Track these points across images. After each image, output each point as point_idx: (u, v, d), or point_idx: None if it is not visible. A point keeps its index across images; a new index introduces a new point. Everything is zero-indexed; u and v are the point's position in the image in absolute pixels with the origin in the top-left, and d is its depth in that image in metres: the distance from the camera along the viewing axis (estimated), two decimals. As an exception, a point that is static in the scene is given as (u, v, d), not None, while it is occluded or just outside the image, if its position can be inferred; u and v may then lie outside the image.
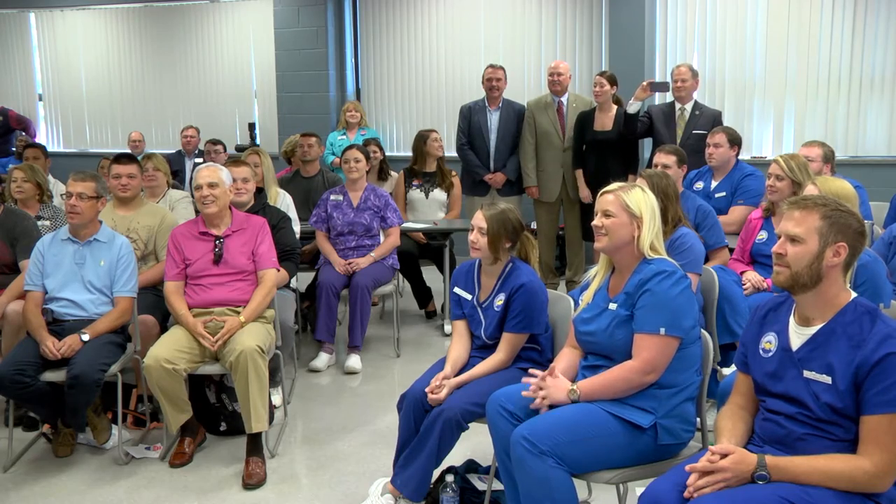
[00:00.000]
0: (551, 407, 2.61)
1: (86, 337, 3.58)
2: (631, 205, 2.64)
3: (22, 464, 3.74)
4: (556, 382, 2.62)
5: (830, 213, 2.11)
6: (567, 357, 2.82)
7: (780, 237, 2.18)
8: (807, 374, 2.11)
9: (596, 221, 2.67)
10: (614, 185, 2.71)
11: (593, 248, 2.76)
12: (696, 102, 5.73)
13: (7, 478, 3.61)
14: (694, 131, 5.57)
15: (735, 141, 4.92)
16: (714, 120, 5.57)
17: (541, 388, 2.61)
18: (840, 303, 2.13)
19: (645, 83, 5.69)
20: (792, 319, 2.21)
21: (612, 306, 2.65)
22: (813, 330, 2.14)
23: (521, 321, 3.11)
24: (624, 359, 2.58)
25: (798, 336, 2.18)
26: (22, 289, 3.91)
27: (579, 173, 6.01)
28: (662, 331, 2.51)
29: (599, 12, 7.47)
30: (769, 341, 2.24)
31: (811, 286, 2.12)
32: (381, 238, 5.22)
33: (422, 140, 6.05)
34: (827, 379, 2.07)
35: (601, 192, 2.72)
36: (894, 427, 1.97)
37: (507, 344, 3.13)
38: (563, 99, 6.16)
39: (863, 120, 6.84)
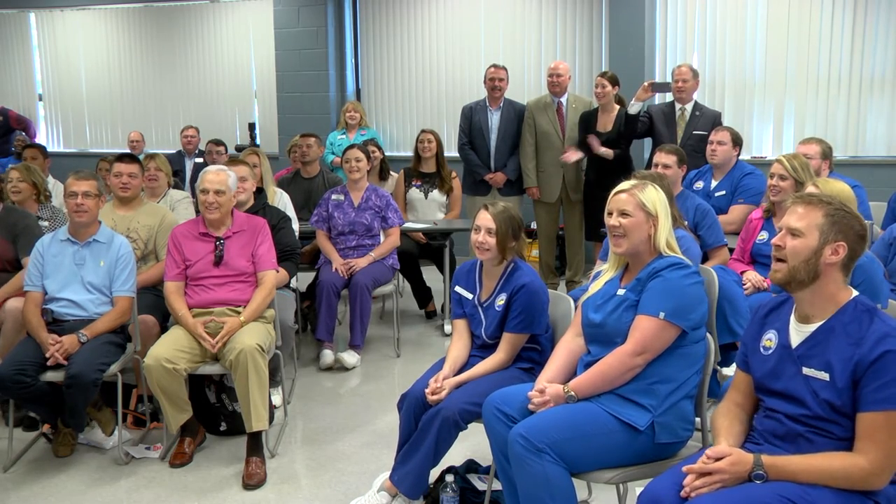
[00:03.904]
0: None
1: (84, 338, 3.58)
2: (647, 203, 2.63)
3: (22, 464, 3.74)
4: (551, 393, 2.61)
5: (834, 213, 2.12)
6: (563, 354, 2.80)
7: (781, 230, 2.18)
8: (806, 371, 2.12)
9: (613, 221, 2.64)
10: (626, 184, 2.69)
11: (611, 251, 2.72)
12: (696, 103, 5.74)
13: (7, 478, 3.61)
14: (694, 132, 5.58)
15: (738, 141, 4.94)
16: (714, 120, 5.58)
17: (546, 402, 2.60)
18: (840, 301, 2.14)
19: (646, 83, 5.69)
20: (792, 318, 2.22)
21: (621, 292, 2.64)
22: (812, 328, 2.15)
23: (522, 321, 3.11)
24: None
25: (798, 333, 2.18)
26: (18, 285, 3.92)
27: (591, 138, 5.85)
28: (662, 315, 2.50)
29: (599, 12, 7.46)
30: (769, 339, 2.25)
31: (808, 283, 2.12)
32: (382, 238, 5.23)
33: (417, 140, 6.09)
34: (825, 376, 2.07)
35: (614, 191, 2.70)
36: (890, 424, 1.98)
37: (508, 344, 3.13)
38: (563, 99, 6.16)
39: (863, 120, 6.84)
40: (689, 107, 5.69)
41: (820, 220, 2.12)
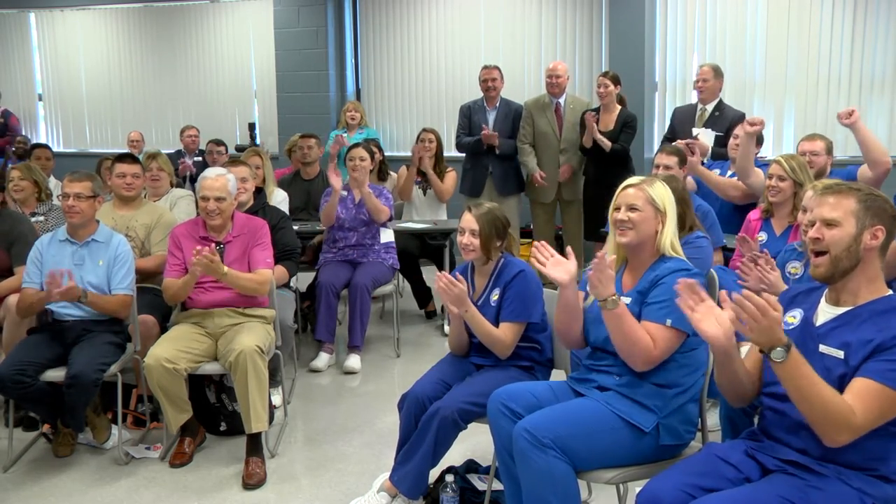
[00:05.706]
0: (556, 400, 2.64)
1: (84, 298, 3.57)
2: (656, 199, 2.60)
3: (22, 464, 3.74)
4: (608, 275, 2.47)
5: (865, 198, 2.11)
6: None
7: (813, 224, 2.15)
8: (823, 348, 2.11)
9: (621, 216, 2.61)
10: (635, 179, 2.66)
11: (617, 242, 2.67)
12: (719, 103, 5.63)
13: (7, 478, 3.61)
14: None
15: (759, 140, 4.88)
16: (733, 121, 5.45)
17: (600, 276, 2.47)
18: (875, 291, 2.12)
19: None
20: (823, 299, 2.21)
21: (626, 300, 2.60)
22: (841, 310, 2.14)
23: (517, 307, 3.09)
24: None
25: (825, 314, 2.17)
26: (13, 286, 3.93)
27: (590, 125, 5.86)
28: (669, 322, 2.47)
29: (599, 12, 7.47)
30: (793, 316, 2.23)
31: (850, 270, 2.11)
32: (381, 236, 5.22)
33: (418, 138, 6.11)
34: (840, 354, 2.06)
35: (623, 185, 2.67)
36: (882, 400, 1.96)
37: (508, 330, 3.11)
38: (561, 100, 6.18)
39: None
40: (710, 107, 5.63)
41: (854, 207, 2.10)
